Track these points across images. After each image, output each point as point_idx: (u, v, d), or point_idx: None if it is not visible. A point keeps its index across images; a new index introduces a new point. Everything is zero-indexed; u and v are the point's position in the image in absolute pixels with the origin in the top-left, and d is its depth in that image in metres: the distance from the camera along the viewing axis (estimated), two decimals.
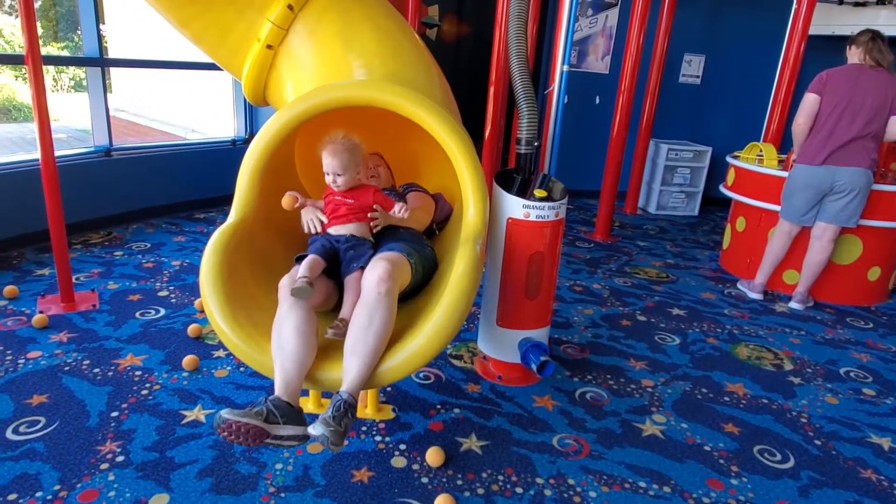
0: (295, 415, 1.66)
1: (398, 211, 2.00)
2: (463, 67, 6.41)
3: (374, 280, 1.78)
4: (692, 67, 6.03)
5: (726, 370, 2.75)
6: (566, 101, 6.05)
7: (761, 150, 4.02)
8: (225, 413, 1.56)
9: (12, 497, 1.68)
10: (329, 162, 1.95)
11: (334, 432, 1.58)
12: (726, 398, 2.51)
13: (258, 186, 2.11)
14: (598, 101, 5.92)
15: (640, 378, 2.61)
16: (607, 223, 4.78)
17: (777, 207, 3.65)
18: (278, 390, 1.67)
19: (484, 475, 1.92)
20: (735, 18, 5.84)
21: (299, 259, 1.93)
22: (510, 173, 2.44)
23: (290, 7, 2.40)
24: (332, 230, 2.02)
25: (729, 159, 4.17)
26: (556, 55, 2.56)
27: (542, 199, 2.26)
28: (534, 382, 2.50)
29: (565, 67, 2.49)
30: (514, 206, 2.28)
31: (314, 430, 1.59)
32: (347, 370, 1.71)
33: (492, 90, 4.32)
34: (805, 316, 3.49)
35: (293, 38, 2.46)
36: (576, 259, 4.19)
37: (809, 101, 3.32)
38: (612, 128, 4.65)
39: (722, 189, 4.20)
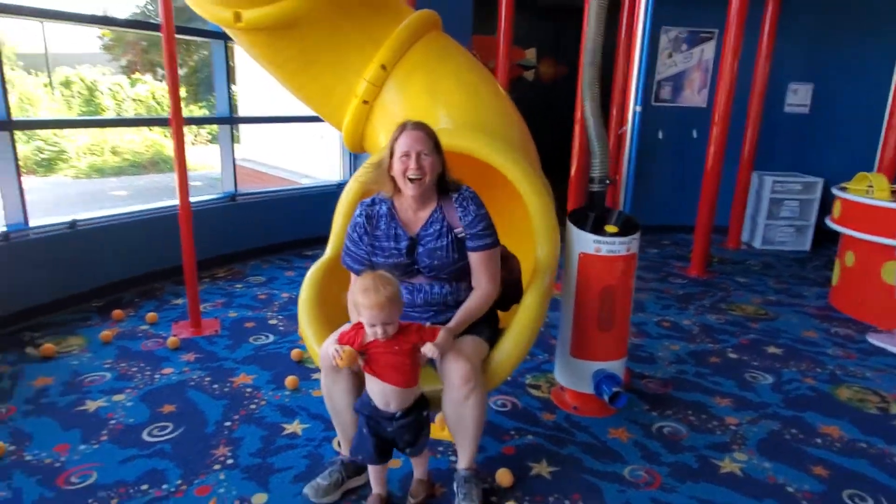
0: (360, 466, 2.02)
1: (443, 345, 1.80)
2: (558, 108, 6.57)
3: (457, 382, 1.80)
4: (798, 96, 5.78)
5: (822, 411, 2.61)
6: (660, 136, 5.96)
7: (871, 182, 3.78)
8: (312, 497, 1.95)
9: (144, 487, 2.01)
10: (376, 314, 1.72)
11: None
12: (818, 440, 2.39)
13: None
14: (695, 135, 5.81)
15: (723, 415, 2.56)
16: (703, 258, 4.65)
17: (890, 241, 3.42)
18: (347, 451, 1.99)
19: (551, 499, 2.00)
20: (844, 45, 5.55)
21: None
22: (584, 211, 2.55)
23: (383, 67, 2.71)
24: (377, 392, 1.81)
25: (835, 191, 3.96)
26: (628, 97, 2.66)
27: (612, 235, 2.34)
28: (610, 415, 2.53)
29: (638, 108, 2.58)
30: (586, 242, 2.38)
31: None
32: (459, 448, 2.00)
33: (577, 129, 4.44)
34: None
35: (386, 94, 2.77)
36: (667, 295, 4.12)
37: None
38: (707, 161, 4.57)
39: (828, 222, 3.98)
